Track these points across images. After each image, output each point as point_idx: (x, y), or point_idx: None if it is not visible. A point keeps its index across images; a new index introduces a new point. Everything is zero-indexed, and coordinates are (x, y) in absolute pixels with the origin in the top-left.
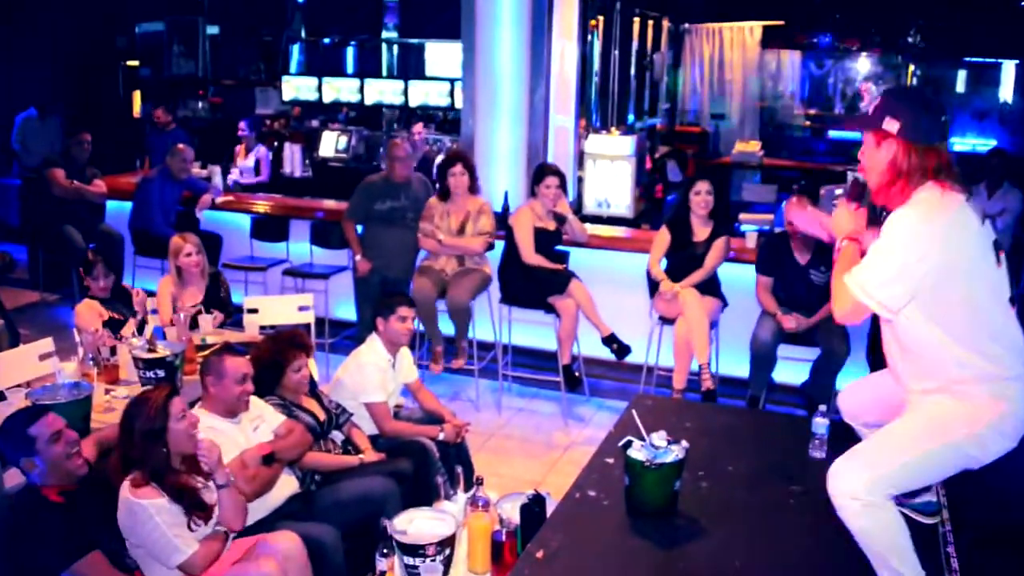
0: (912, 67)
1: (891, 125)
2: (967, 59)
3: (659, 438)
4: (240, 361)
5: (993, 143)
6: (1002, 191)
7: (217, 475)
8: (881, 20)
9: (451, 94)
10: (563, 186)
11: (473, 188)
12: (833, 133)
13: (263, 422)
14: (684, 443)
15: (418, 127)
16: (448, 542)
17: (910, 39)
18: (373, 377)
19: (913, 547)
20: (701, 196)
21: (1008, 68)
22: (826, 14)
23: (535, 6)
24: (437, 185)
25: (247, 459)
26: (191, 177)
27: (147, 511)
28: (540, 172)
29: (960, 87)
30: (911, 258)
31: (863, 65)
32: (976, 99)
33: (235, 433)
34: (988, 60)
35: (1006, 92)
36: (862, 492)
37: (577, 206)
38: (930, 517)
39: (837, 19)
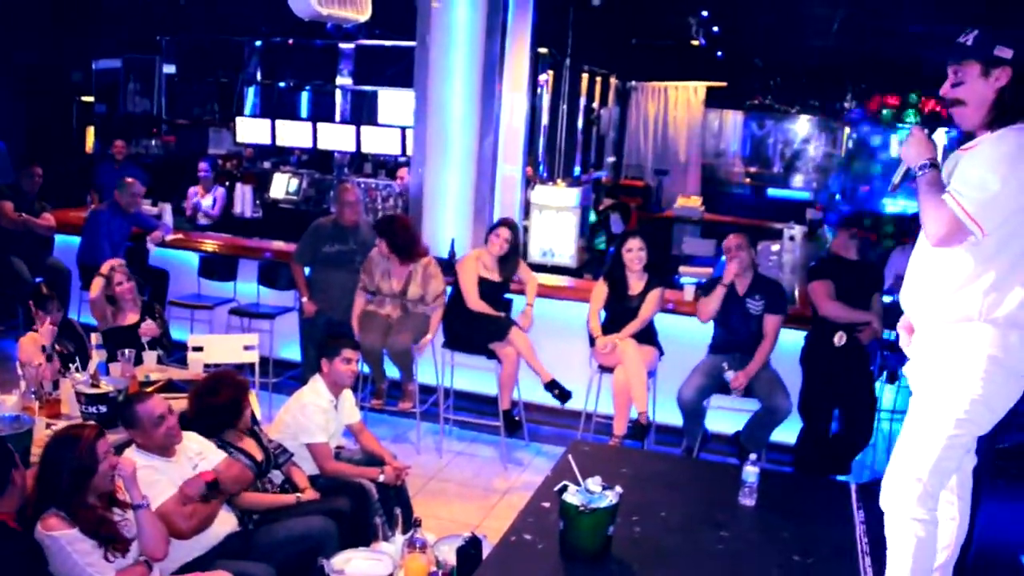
0: (848, 130)
1: (1004, 52)
2: (900, 125)
3: (594, 483)
4: (151, 403)
5: None
6: None
7: (132, 494)
8: (818, 85)
9: (402, 141)
10: (513, 240)
11: (405, 259)
12: (772, 191)
13: (203, 459)
14: (618, 488)
15: (403, 172)
16: None
17: (846, 104)
18: (315, 418)
19: None
20: (633, 253)
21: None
22: (766, 77)
23: (487, 59)
24: None
25: (189, 490)
26: (140, 212)
27: (59, 543)
28: (495, 223)
29: (894, 152)
30: (1014, 179)
31: (801, 127)
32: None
33: (172, 471)
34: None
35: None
36: (921, 511)
37: (523, 254)
38: None
39: (776, 83)
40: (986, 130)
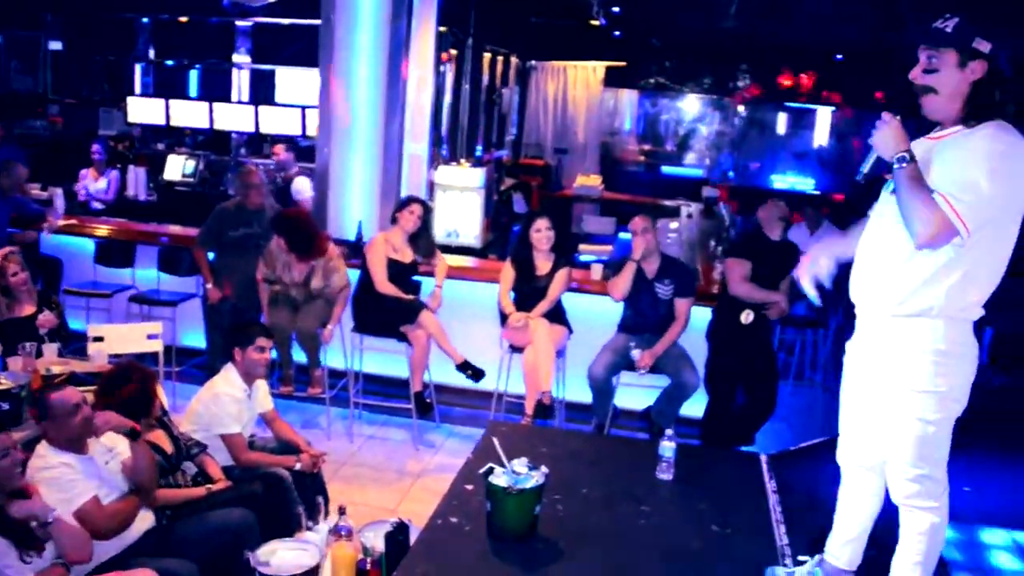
0: (742, 108)
1: (983, 46)
2: (788, 104)
3: (520, 464)
4: (64, 393)
5: (811, 182)
6: (822, 229)
7: (38, 513)
8: (712, 65)
9: (302, 121)
10: (424, 217)
11: (304, 256)
12: (666, 169)
13: (116, 454)
14: (544, 468)
15: (278, 148)
16: (312, 573)
17: (739, 83)
18: (228, 408)
19: None
20: (542, 233)
21: (823, 113)
22: (663, 58)
23: (393, 38)
24: None
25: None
26: (20, 196)
27: None
28: (405, 200)
29: (781, 129)
30: (1002, 182)
31: (694, 106)
32: (796, 141)
33: (87, 468)
34: (805, 106)
35: (821, 136)
36: (930, 501)
37: None
38: None
39: (671, 64)
40: (957, 123)
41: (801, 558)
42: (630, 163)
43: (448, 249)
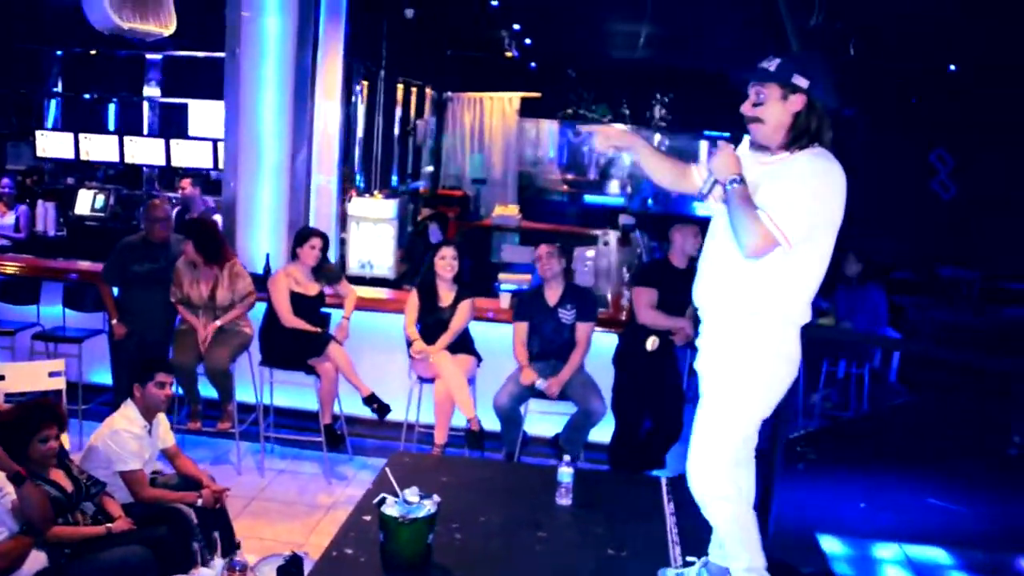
0: (659, 136)
1: (801, 81)
2: (706, 132)
3: (412, 494)
4: None
5: None
6: None
7: None
8: (629, 94)
9: (214, 154)
10: (326, 249)
11: (216, 258)
12: (588, 198)
13: (4, 494)
14: (436, 497)
15: (185, 183)
16: None
17: (655, 111)
18: (128, 445)
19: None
20: (446, 261)
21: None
22: (580, 87)
23: (298, 69)
24: None
25: None
26: None
27: None
28: (303, 235)
29: (702, 157)
30: (820, 200)
31: None
32: None
33: None
34: (724, 134)
35: None
36: (729, 488)
37: (340, 267)
38: None
39: (587, 94)
40: (782, 149)
41: (689, 559)
42: (553, 192)
43: (362, 280)
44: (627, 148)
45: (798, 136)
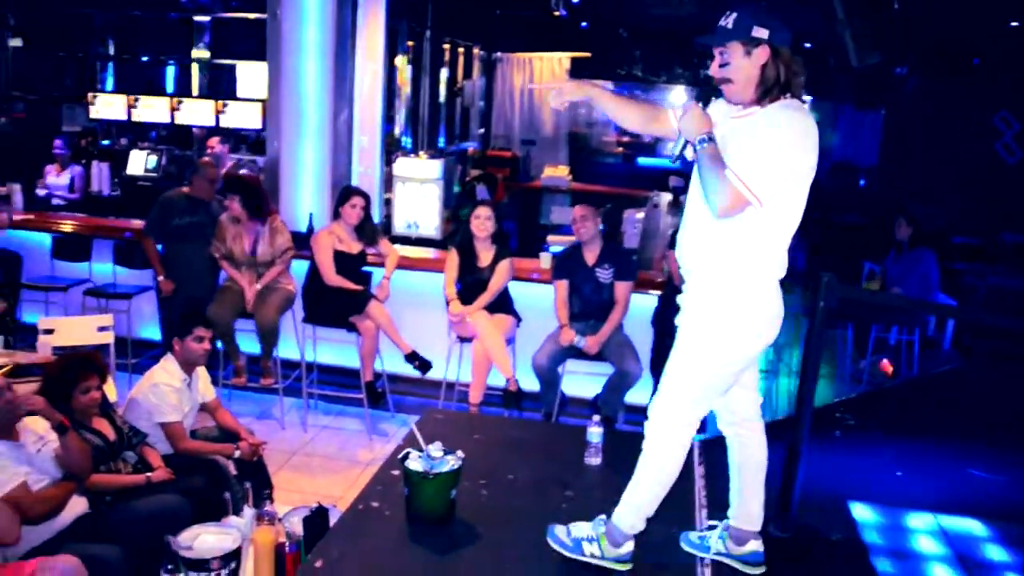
0: (713, 98)
1: (761, 33)
2: None
3: (436, 449)
4: None
5: None
6: None
7: None
8: (681, 55)
9: (263, 115)
10: (367, 208)
11: (260, 213)
12: (642, 160)
13: (47, 443)
14: (460, 453)
15: (212, 141)
16: (232, 556)
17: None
18: (167, 398)
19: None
20: (480, 220)
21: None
22: (632, 47)
23: (339, 30)
24: None
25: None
26: None
27: None
28: (345, 194)
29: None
30: (787, 154)
31: (674, 97)
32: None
33: (17, 455)
34: None
35: None
36: (684, 436)
37: (386, 227)
38: (756, 568)
39: (640, 54)
40: (755, 104)
41: (711, 523)
42: (607, 154)
43: (407, 240)
44: (585, 99)
45: (768, 89)
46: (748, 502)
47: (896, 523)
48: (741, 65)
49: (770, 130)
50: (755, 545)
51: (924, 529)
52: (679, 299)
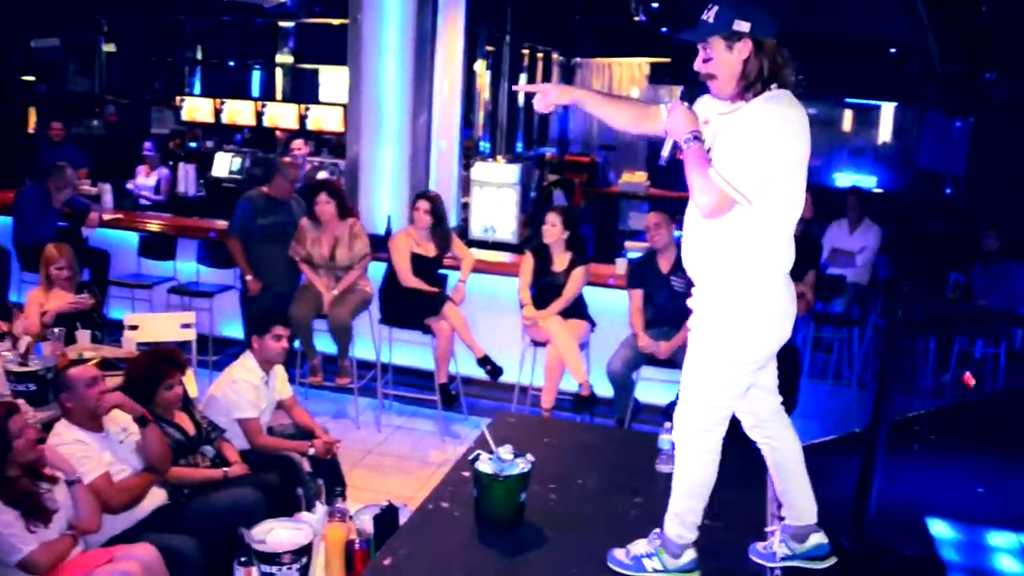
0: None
1: (742, 26)
2: (848, 100)
3: (506, 451)
4: (83, 368)
5: (873, 179)
6: (863, 227)
7: (64, 470)
8: None
9: (344, 118)
10: (434, 212)
11: (343, 212)
12: None
13: (129, 435)
14: (529, 456)
15: (297, 143)
16: (304, 551)
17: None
18: (245, 394)
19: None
20: (547, 226)
21: (887, 110)
22: None
23: (419, 35)
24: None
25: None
26: (74, 196)
27: None
28: (415, 197)
29: (847, 126)
30: (773, 148)
31: None
32: (856, 138)
33: (101, 445)
34: (868, 102)
35: (885, 133)
36: (708, 441)
37: (463, 231)
38: (824, 560)
39: None
40: (739, 98)
41: (770, 528)
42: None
43: (484, 244)
44: (571, 102)
45: (751, 83)
46: (796, 499)
47: (976, 541)
48: (724, 59)
49: (754, 125)
50: (817, 538)
51: (1006, 548)
52: (689, 302)
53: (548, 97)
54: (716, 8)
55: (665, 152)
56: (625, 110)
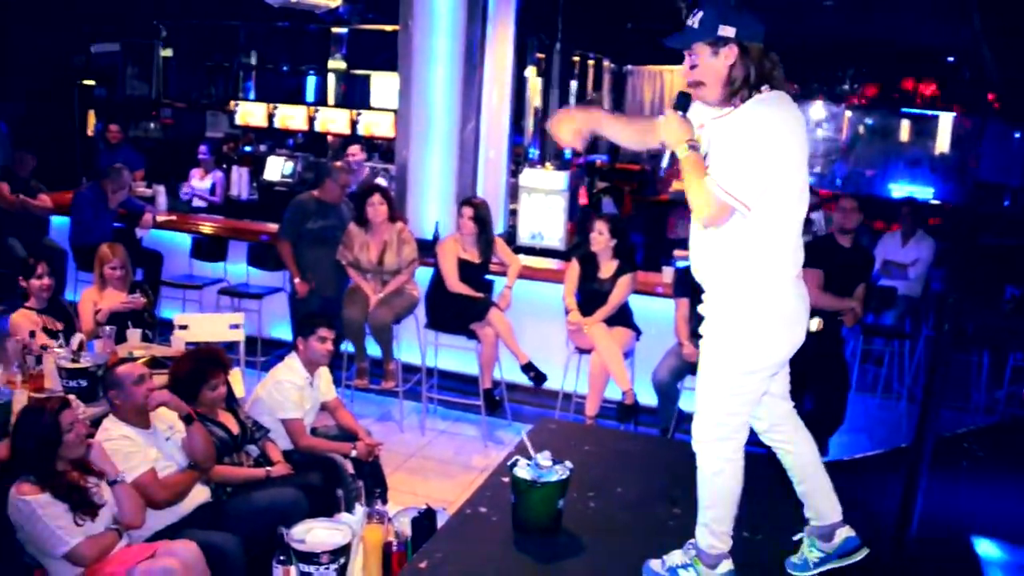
0: (849, 114)
1: (727, 31)
2: (904, 110)
3: (544, 458)
4: (131, 365)
5: (931, 190)
6: (916, 238)
7: (107, 470)
8: (818, 68)
9: (395, 124)
10: (479, 218)
11: (392, 217)
12: None
13: (175, 432)
14: (568, 463)
15: (354, 149)
16: (343, 551)
17: (846, 87)
18: (290, 395)
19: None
20: (594, 235)
21: (945, 120)
22: None
23: (468, 41)
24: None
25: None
26: (130, 198)
27: (30, 506)
28: (460, 203)
29: (904, 136)
30: (767, 151)
31: (813, 112)
32: (914, 149)
33: (148, 442)
34: (925, 112)
35: (943, 143)
36: (726, 450)
37: (511, 237)
38: (856, 553)
39: None
40: (727, 103)
41: (797, 537)
42: None
43: (532, 251)
44: (595, 131)
45: (736, 89)
46: (817, 499)
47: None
48: (709, 65)
49: (745, 129)
50: (843, 532)
51: None
52: (699, 309)
53: (573, 131)
54: (701, 14)
55: (664, 162)
56: (631, 128)
